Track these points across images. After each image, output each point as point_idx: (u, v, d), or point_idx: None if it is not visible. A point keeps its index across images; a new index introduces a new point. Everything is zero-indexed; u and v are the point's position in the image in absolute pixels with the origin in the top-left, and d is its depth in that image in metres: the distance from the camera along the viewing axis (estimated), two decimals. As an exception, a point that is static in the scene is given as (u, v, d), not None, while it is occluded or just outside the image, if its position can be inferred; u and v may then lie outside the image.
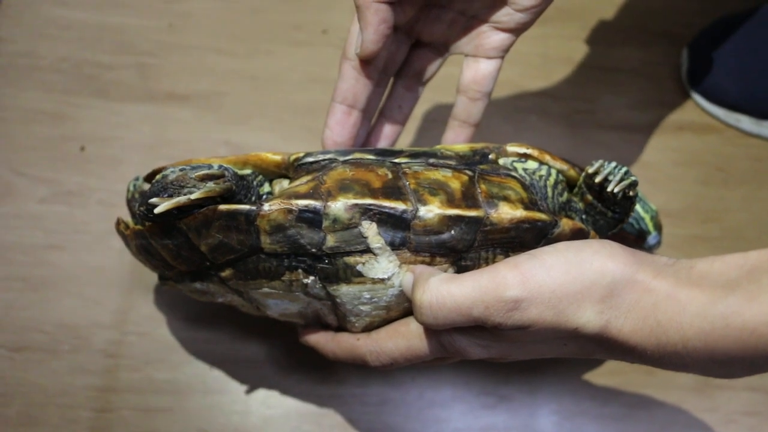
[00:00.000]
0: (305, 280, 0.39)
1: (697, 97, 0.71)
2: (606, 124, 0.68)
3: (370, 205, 0.36)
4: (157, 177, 0.39)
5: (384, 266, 0.38)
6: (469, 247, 0.38)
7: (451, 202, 0.37)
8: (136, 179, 0.46)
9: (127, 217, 0.49)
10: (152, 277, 0.55)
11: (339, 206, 0.36)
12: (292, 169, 0.40)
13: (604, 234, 0.45)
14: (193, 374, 0.53)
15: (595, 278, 0.33)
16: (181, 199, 0.35)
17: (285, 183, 0.41)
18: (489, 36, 0.45)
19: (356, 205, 0.36)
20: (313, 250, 0.37)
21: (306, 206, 0.36)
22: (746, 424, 0.56)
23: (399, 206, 0.36)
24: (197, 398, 0.52)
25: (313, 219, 0.36)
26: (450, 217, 0.37)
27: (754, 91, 0.68)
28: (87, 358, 0.53)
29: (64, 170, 0.59)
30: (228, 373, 0.54)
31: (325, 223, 0.36)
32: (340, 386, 0.54)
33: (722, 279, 0.32)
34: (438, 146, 0.42)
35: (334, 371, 0.54)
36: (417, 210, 0.36)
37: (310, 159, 0.39)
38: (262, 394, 0.53)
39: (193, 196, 0.35)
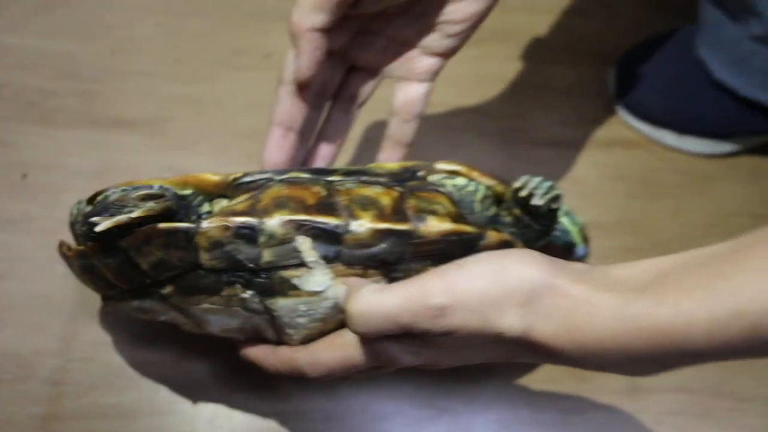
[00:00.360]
0: (243, 295, 0.40)
1: (624, 114, 0.74)
2: (538, 140, 0.71)
3: (304, 220, 0.38)
4: (99, 198, 0.40)
5: (318, 279, 0.39)
6: (400, 259, 0.40)
7: (381, 216, 0.39)
8: (79, 203, 0.46)
9: (71, 241, 0.49)
10: (96, 303, 0.56)
11: (274, 222, 0.38)
12: (230, 189, 0.41)
13: (532, 246, 0.47)
14: (139, 397, 0.54)
15: (516, 284, 0.35)
16: (121, 218, 0.37)
17: (224, 202, 0.42)
18: (419, 60, 0.48)
19: (291, 221, 0.38)
20: (251, 265, 0.39)
21: (243, 223, 0.38)
22: (673, 423, 0.59)
23: (331, 221, 0.38)
24: (144, 421, 0.53)
25: (249, 235, 0.38)
26: (381, 231, 0.39)
27: (676, 107, 0.71)
28: (31, 387, 0.53)
29: (5, 198, 0.60)
30: (174, 394, 0.55)
31: (261, 239, 0.38)
32: (285, 403, 0.56)
33: (634, 283, 0.34)
34: (371, 165, 0.44)
35: (278, 388, 0.56)
36: (348, 225, 0.39)
37: (248, 179, 0.41)
38: (208, 413, 0.54)
39: (133, 215, 0.37)
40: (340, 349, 0.40)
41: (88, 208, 0.43)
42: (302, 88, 0.45)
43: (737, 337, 0.30)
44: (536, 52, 0.76)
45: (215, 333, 0.45)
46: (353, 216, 0.39)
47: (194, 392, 0.55)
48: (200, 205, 0.43)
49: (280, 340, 0.44)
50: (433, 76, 0.49)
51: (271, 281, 0.40)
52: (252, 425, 0.55)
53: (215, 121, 0.66)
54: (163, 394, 0.54)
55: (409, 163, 0.44)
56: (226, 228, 0.38)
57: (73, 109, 0.65)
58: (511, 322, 0.35)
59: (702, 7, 0.68)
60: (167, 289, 0.41)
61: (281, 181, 0.41)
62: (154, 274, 0.40)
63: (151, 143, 0.64)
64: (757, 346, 0.30)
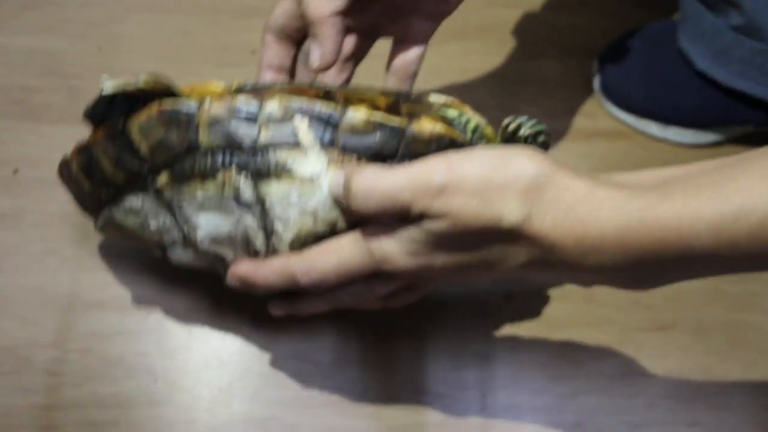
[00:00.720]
0: (237, 180, 0.40)
1: (608, 105, 0.75)
2: (525, 132, 0.72)
3: (303, 104, 0.40)
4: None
5: (313, 163, 0.40)
6: (394, 154, 0.40)
7: (375, 109, 0.41)
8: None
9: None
10: (91, 295, 0.56)
11: (274, 102, 0.39)
12: (234, 94, 0.42)
13: None
14: (137, 387, 0.54)
15: (519, 172, 0.35)
16: (129, 82, 0.39)
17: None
18: (415, 24, 0.49)
19: (290, 103, 0.40)
20: (248, 143, 0.40)
21: (244, 102, 0.39)
22: (665, 406, 0.60)
23: (329, 107, 0.40)
24: (142, 410, 0.53)
25: (249, 114, 0.39)
26: (375, 123, 0.40)
27: (659, 98, 0.73)
28: (29, 378, 0.53)
29: (-3, 194, 0.59)
30: (172, 384, 0.54)
31: (260, 119, 0.39)
32: (284, 390, 0.55)
33: (638, 183, 0.34)
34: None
35: (277, 376, 0.56)
36: (345, 111, 0.40)
37: (251, 85, 0.43)
38: (206, 402, 0.54)
39: (140, 82, 0.39)
40: (335, 253, 0.39)
41: None
42: (287, 36, 0.48)
43: (742, 237, 0.30)
44: (520, 46, 0.78)
45: (204, 247, 0.44)
46: (350, 106, 0.40)
47: (192, 381, 0.55)
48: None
49: (269, 249, 0.43)
50: (428, 38, 0.51)
51: (266, 162, 0.40)
52: (251, 413, 0.54)
53: (205, 116, 0.66)
54: (160, 383, 0.54)
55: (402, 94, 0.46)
56: (228, 106, 0.39)
57: (61, 106, 0.64)
58: (511, 208, 0.35)
59: (683, -1, 0.70)
60: (162, 178, 0.42)
61: (283, 85, 0.43)
62: (152, 157, 0.41)
63: (141, 138, 0.64)
64: (760, 247, 0.30)
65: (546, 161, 0.36)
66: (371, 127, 0.40)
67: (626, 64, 0.74)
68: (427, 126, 0.40)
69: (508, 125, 0.45)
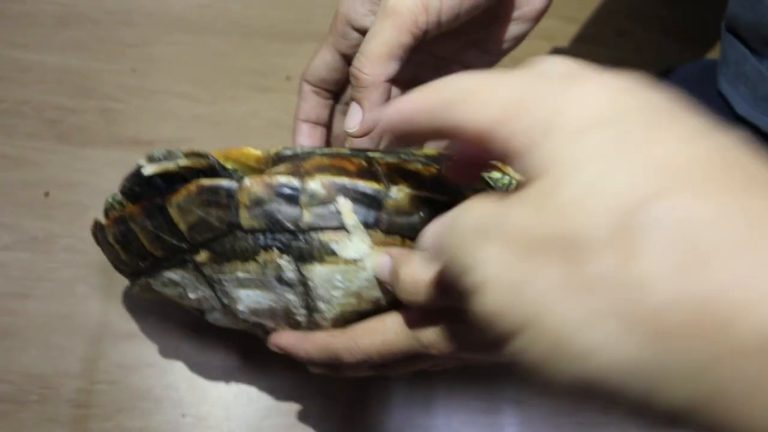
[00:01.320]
0: (280, 261, 0.40)
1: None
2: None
3: (346, 183, 0.38)
4: (145, 157, 0.41)
5: (357, 245, 0.39)
6: None
7: (421, 185, 0.39)
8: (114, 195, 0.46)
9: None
10: (120, 325, 0.55)
11: (316, 183, 0.38)
12: (271, 162, 0.41)
13: None
14: (164, 421, 0.53)
15: None
16: (168, 165, 0.38)
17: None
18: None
19: (333, 182, 0.38)
20: (290, 225, 0.39)
21: (286, 182, 0.38)
22: None
23: (372, 185, 0.39)
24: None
25: (291, 194, 0.38)
26: (420, 199, 0.39)
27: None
28: (56, 409, 0.52)
29: (27, 216, 0.59)
30: (200, 419, 0.54)
31: (303, 199, 0.38)
32: (313, 430, 0.55)
33: None
34: (411, 149, 0.44)
35: (307, 415, 0.55)
36: (389, 190, 0.39)
37: (290, 152, 0.41)
38: (233, 439, 0.54)
39: (180, 162, 0.38)
40: (380, 334, 0.39)
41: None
42: (327, 89, 0.46)
43: None
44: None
45: (245, 317, 0.44)
46: (394, 182, 0.39)
47: (221, 417, 0.54)
48: (242, 178, 0.43)
49: (311, 323, 0.43)
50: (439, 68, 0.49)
51: (309, 245, 0.39)
52: (277, 451, 0.54)
53: (235, 142, 0.65)
54: (189, 419, 0.54)
55: (447, 152, 0.45)
56: (269, 185, 0.38)
57: (94, 127, 0.64)
58: None
59: (724, 41, 0.69)
60: (202, 256, 0.41)
61: (322, 154, 0.41)
62: (191, 236, 0.40)
63: (172, 163, 0.63)
64: None
65: None
66: (417, 205, 0.39)
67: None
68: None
69: None
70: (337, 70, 0.46)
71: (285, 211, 0.38)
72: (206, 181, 0.38)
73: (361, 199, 0.38)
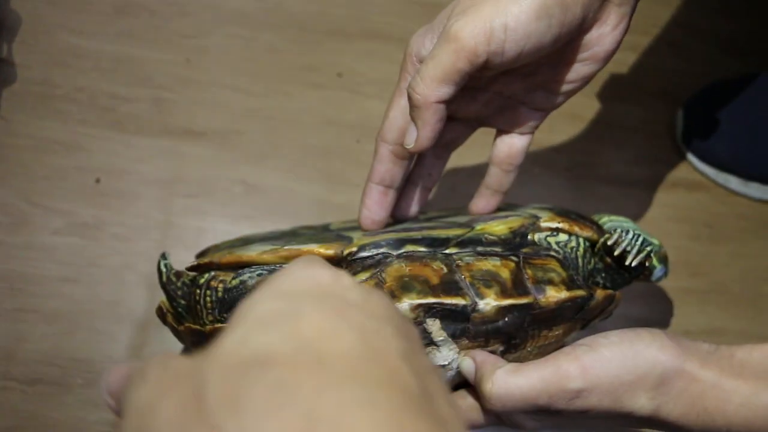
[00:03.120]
0: None
1: (690, 156, 0.74)
2: (605, 177, 0.71)
3: (434, 303, 0.39)
4: (233, 282, 0.41)
5: (445, 354, 0.40)
6: (520, 328, 0.41)
7: (504, 292, 0.40)
8: (164, 258, 0.45)
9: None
10: (166, 314, 0.56)
11: (405, 307, 0.38)
12: (345, 262, 0.41)
13: (621, 287, 0.48)
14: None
15: (648, 369, 0.37)
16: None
17: None
18: (523, 115, 0.47)
19: (420, 304, 0.39)
20: None
21: None
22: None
23: (459, 302, 0.39)
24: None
25: None
26: (505, 307, 0.40)
27: (742, 153, 0.71)
28: (99, 394, 0.53)
29: (78, 202, 0.59)
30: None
31: None
32: None
33: (762, 369, 0.36)
34: (478, 228, 0.44)
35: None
36: (476, 304, 0.39)
37: (364, 254, 0.41)
38: None
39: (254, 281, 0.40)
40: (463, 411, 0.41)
41: (209, 289, 0.42)
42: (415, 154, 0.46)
43: None
44: (606, 89, 0.76)
45: None
46: (479, 294, 0.40)
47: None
48: None
49: None
50: (534, 129, 0.48)
51: None
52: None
53: (286, 137, 0.66)
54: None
55: (515, 224, 0.45)
56: None
57: (146, 116, 0.64)
58: (642, 403, 0.37)
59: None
60: None
61: (399, 256, 0.41)
62: None
63: (222, 155, 0.64)
64: None
65: (675, 350, 0.38)
66: (502, 312, 0.40)
67: (710, 117, 0.72)
68: (552, 298, 0.41)
69: (612, 247, 0.45)
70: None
71: None
72: None
73: (448, 315, 0.39)
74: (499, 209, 0.50)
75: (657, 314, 0.65)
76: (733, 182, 0.73)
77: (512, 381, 0.38)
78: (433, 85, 0.39)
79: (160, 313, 0.45)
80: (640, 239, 0.45)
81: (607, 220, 0.50)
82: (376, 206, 0.46)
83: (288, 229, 0.49)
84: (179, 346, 0.55)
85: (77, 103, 0.64)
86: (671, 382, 0.37)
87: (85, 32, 0.67)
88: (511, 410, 0.38)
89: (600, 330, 0.42)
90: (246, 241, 0.45)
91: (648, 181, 0.72)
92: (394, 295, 0.38)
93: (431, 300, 0.39)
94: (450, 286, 0.39)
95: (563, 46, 0.41)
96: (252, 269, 0.41)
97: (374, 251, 0.41)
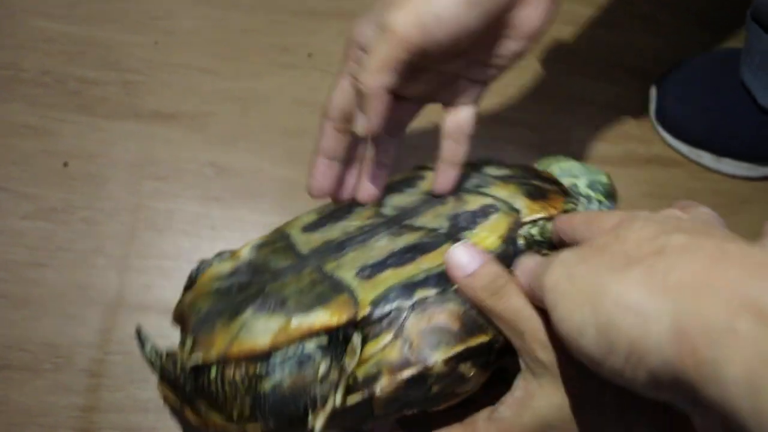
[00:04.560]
0: (407, 412, 0.41)
1: (663, 133, 0.74)
2: (578, 155, 0.71)
3: (462, 351, 0.39)
4: (266, 387, 0.39)
5: (473, 385, 0.41)
6: None
7: None
8: (142, 339, 0.45)
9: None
10: (136, 297, 0.56)
11: (438, 363, 0.39)
12: (359, 324, 0.40)
13: None
14: (176, 394, 0.54)
15: None
16: (330, 409, 0.38)
17: (356, 337, 0.40)
18: (464, 88, 0.48)
19: (451, 357, 0.39)
20: (420, 399, 0.40)
21: (411, 376, 0.39)
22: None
23: (484, 339, 0.40)
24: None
25: (419, 382, 0.39)
26: None
27: (715, 129, 0.71)
28: (69, 378, 0.53)
29: (47, 186, 0.59)
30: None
31: (429, 381, 0.39)
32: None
33: None
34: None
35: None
36: (497, 337, 0.40)
37: (378, 313, 0.40)
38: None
39: (338, 399, 0.38)
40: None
41: (234, 386, 0.40)
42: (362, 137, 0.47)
43: None
44: (577, 65, 0.76)
45: None
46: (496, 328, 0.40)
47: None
48: (341, 343, 0.41)
49: None
50: (478, 99, 0.50)
51: (436, 403, 0.41)
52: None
53: (257, 118, 0.66)
54: (200, 392, 0.54)
55: (502, 229, 0.44)
56: (398, 387, 0.39)
57: (115, 99, 0.64)
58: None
59: (749, 30, 0.68)
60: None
61: (412, 307, 0.40)
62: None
63: (192, 137, 0.64)
64: None
65: None
66: None
67: (684, 94, 0.72)
68: None
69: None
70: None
71: (414, 394, 0.39)
72: (341, 407, 0.39)
73: (476, 353, 0.40)
74: (464, 190, 0.49)
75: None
76: (706, 158, 0.73)
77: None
78: (376, 75, 0.41)
79: (173, 407, 0.44)
80: (595, 206, 0.47)
81: (557, 168, 0.50)
82: (321, 177, 0.49)
83: (251, 256, 0.46)
84: (149, 330, 0.55)
85: (45, 87, 0.63)
86: None
87: (53, 15, 0.66)
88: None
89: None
90: (227, 302, 0.42)
91: (622, 158, 0.72)
92: (424, 354, 0.39)
93: (460, 348, 0.39)
94: (471, 327, 0.40)
95: (495, 28, 0.44)
96: (276, 363, 0.39)
97: (387, 308, 0.40)
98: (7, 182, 0.58)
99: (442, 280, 0.41)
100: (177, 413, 0.45)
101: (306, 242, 0.46)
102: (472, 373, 0.40)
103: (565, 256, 0.34)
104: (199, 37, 0.68)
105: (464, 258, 0.41)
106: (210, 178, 0.62)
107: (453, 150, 0.50)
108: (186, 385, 0.41)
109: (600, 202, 0.51)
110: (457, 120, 0.50)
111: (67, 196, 0.59)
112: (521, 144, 0.70)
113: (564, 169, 0.50)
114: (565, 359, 0.37)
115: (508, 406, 0.39)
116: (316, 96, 0.66)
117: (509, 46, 0.46)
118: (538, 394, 0.38)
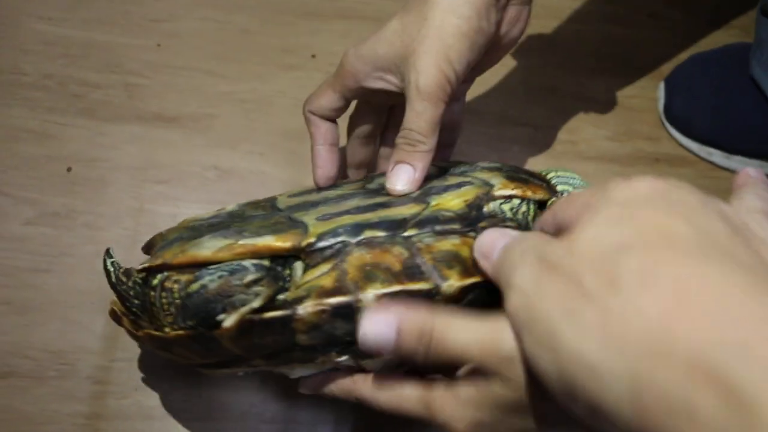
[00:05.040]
0: (338, 359, 0.41)
1: (672, 131, 0.73)
2: (586, 154, 0.70)
3: (398, 291, 0.38)
4: (194, 287, 0.39)
5: None
6: (484, 304, 0.40)
7: (466, 271, 0.39)
8: (109, 255, 0.45)
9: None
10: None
11: (369, 297, 0.38)
12: (303, 253, 0.40)
13: None
14: (181, 400, 0.53)
15: None
16: (245, 311, 0.37)
17: (299, 266, 0.41)
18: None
19: (385, 294, 0.38)
20: (348, 338, 0.39)
21: (339, 303, 0.38)
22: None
23: (423, 287, 0.38)
24: (186, 424, 0.52)
25: (346, 313, 0.38)
26: (468, 286, 0.39)
27: (725, 126, 0.70)
28: (74, 385, 0.52)
29: (49, 191, 0.58)
30: (215, 399, 0.54)
31: (359, 315, 0.38)
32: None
33: None
34: (434, 204, 0.43)
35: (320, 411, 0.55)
36: (439, 287, 0.39)
37: (323, 244, 0.40)
38: (255, 417, 0.54)
39: (255, 305, 0.37)
40: (399, 399, 0.39)
41: (164, 291, 0.41)
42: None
43: None
44: (584, 63, 0.75)
45: (293, 377, 0.45)
46: (442, 276, 0.39)
47: (235, 398, 0.54)
48: (282, 269, 0.41)
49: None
50: (465, 93, 0.56)
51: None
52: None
53: (260, 120, 0.65)
54: (204, 399, 0.53)
55: (470, 196, 0.44)
56: (323, 311, 0.38)
57: (117, 103, 0.63)
58: None
59: (758, 24, 0.67)
60: (258, 362, 0.41)
61: (358, 244, 0.40)
62: (246, 355, 0.40)
63: (195, 140, 0.63)
64: None
65: None
66: (465, 291, 0.39)
67: (693, 91, 0.71)
68: None
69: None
70: (339, 108, 0.51)
71: (341, 327, 0.38)
72: (259, 317, 0.38)
73: (413, 299, 0.39)
74: (447, 172, 0.49)
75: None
76: (717, 156, 0.72)
77: (450, 325, 0.35)
78: (431, 135, 0.47)
79: (114, 317, 0.44)
80: None
81: (554, 176, 0.49)
82: (327, 164, 0.52)
83: (234, 208, 0.48)
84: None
85: (47, 91, 0.63)
86: None
87: (54, 18, 0.66)
88: (448, 363, 0.36)
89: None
90: (194, 232, 0.43)
91: (630, 157, 0.71)
92: (359, 287, 0.38)
93: (395, 288, 0.38)
94: (413, 271, 0.39)
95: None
96: (210, 271, 0.39)
97: (332, 240, 0.40)
98: (8, 187, 0.58)
99: (395, 225, 0.41)
100: (118, 324, 0.45)
101: (286, 202, 0.47)
102: None
103: (522, 276, 0.31)
104: (201, 40, 0.68)
105: (377, 331, 0.36)
106: (212, 181, 0.61)
107: (444, 136, 0.53)
108: (131, 293, 0.42)
109: None
110: (451, 114, 0.54)
111: (69, 200, 0.58)
112: (527, 143, 0.69)
113: (562, 176, 0.49)
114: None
115: (468, 384, 0.36)
116: (320, 97, 0.66)
117: (495, 56, 0.52)
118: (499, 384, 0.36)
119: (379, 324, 0.36)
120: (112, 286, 0.43)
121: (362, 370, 0.42)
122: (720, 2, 0.81)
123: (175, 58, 0.66)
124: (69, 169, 0.60)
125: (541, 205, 0.46)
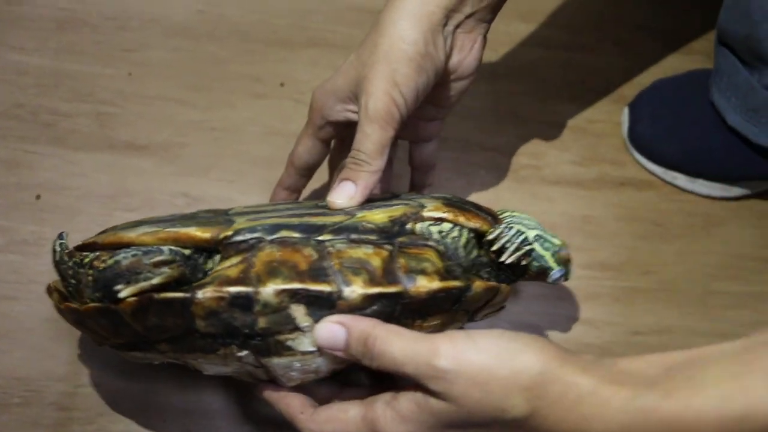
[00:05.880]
0: (239, 354, 0.41)
1: (637, 155, 0.74)
2: (551, 179, 0.71)
3: (299, 289, 0.39)
4: (109, 262, 0.41)
5: (313, 340, 0.40)
6: (390, 317, 0.41)
7: (372, 280, 0.40)
8: (61, 238, 0.46)
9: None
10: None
11: (269, 291, 0.39)
12: (221, 245, 0.42)
13: (509, 283, 0.48)
14: (146, 425, 0.53)
15: (524, 367, 0.36)
16: (143, 285, 0.39)
17: (218, 259, 0.43)
18: (423, 127, 0.57)
19: (285, 290, 0.39)
20: (246, 330, 0.40)
21: (237, 293, 0.39)
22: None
23: (325, 288, 0.39)
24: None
25: (244, 304, 0.39)
26: (372, 296, 0.40)
27: (688, 151, 0.72)
28: (39, 412, 0.52)
29: (18, 219, 0.59)
30: (181, 425, 0.54)
31: (257, 308, 0.39)
32: None
33: (642, 376, 0.35)
34: (359, 216, 0.44)
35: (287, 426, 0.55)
36: (341, 291, 0.39)
37: (239, 238, 0.42)
38: (216, 446, 0.54)
39: (154, 282, 0.39)
40: (343, 424, 0.41)
41: (91, 269, 0.42)
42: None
43: None
44: (550, 88, 0.77)
45: (210, 375, 0.46)
46: (345, 281, 0.40)
47: (202, 424, 0.54)
48: (204, 262, 0.43)
49: (273, 382, 0.45)
50: (438, 133, 0.58)
51: (266, 343, 0.41)
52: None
53: (230, 148, 0.66)
54: (170, 424, 0.54)
55: (397, 213, 0.45)
56: (221, 298, 0.39)
57: (88, 132, 0.64)
58: (515, 402, 0.36)
59: (717, 52, 0.69)
60: (163, 346, 0.42)
61: (272, 242, 0.41)
62: (149, 335, 0.41)
63: (165, 168, 0.64)
64: None
65: (554, 354, 0.36)
66: (369, 300, 0.40)
67: (656, 116, 0.73)
68: (423, 288, 0.41)
69: (492, 242, 0.46)
70: (317, 153, 0.54)
71: (239, 318, 0.40)
72: (158, 296, 0.39)
73: (314, 301, 0.39)
74: (394, 197, 0.50)
75: (604, 315, 0.65)
76: (680, 180, 0.74)
77: (392, 338, 0.38)
78: (378, 157, 0.48)
79: (48, 291, 0.46)
80: (521, 237, 0.46)
81: (507, 215, 0.49)
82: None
83: (190, 212, 0.49)
84: (119, 363, 0.55)
85: (18, 120, 0.64)
86: (548, 385, 0.35)
87: (26, 48, 0.67)
88: (385, 371, 0.39)
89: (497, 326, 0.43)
90: (139, 223, 0.45)
91: (595, 181, 0.73)
92: (260, 280, 0.39)
93: (296, 285, 0.39)
94: (317, 273, 0.40)
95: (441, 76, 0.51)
96: (128, 250, 0.41)
97: (249, 236, 0.41)
98: (-22, 215, 0.59)
99: (312, 229, 0.42)
100: (49, 296, 0.46)
101: (238, 209, 0.48)
102: (304, 323, 0.40)
103: None
104: (171, 69, 0.69)
105: (331, 328, 0.40)
106: (182, 208, 0.62)
107: (422, 179, 0.60)
108: (70, 272, 0.43)
109: (542, 257, 0.48)
110: (422, 155, 0.58)
111: (38, 228, 0.59)
112: (493, 168, 0.70)
113: (517, 217, 0.49)
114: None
115: (408, 399, 0.38)
116: (288, 126, 0.67)
117: (452, 86, 0.53)
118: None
119: (333, 325, 0.40)
120: (55, 264, 0.44)
121: (267, 372, 0.43)
122: (682, 29, 0.83)
123: (146, 87, 0.68)
124: (38, 197, 0.60)
125: (479, 237, 0.47)
